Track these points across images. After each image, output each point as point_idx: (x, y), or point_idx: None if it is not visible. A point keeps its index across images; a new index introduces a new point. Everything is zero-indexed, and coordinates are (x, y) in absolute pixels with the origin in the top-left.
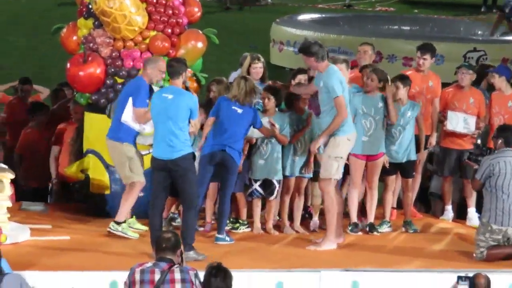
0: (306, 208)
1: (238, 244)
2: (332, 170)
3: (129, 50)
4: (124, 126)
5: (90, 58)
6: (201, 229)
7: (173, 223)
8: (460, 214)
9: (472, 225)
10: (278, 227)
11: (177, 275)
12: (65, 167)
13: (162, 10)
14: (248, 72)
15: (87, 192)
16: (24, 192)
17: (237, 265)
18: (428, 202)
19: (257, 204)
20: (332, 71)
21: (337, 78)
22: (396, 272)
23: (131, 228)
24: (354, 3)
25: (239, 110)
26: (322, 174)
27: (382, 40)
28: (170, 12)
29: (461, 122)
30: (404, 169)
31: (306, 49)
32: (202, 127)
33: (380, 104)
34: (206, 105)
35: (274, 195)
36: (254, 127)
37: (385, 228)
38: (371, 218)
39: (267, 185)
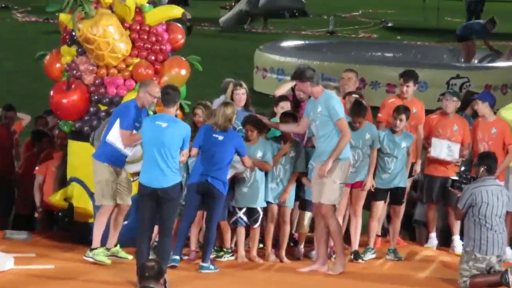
0: (290, 236)
1: (222, 272)
2: (336, 195)
3: (112, 77)
4: (108, 147)
5: (73, 86)
6: (186, 257)
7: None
8: (445, 241)
9: (456, 253)
10: (262, 255)
11: None
12: (50, 195)
13: (146, 37)
14: (232, 98)
15: (71, 220)
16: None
17: None
18: (412, 230)
19: (241, 232)
20: (330, 94)
21: (337, 100)
22: None
23: (114, 257)
24: (337, 29)
25: (220, 137)
26: (324, 199)
27: (365, 67)
28: (154, 39)
29: (445, 149)
30: (394, 195)
31: (300, 74)
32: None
33: (368, 136)
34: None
35: (259, 222)
36: (239, 155)
37: (369, 256)
38: (355, 245)
39: (251, 212)
